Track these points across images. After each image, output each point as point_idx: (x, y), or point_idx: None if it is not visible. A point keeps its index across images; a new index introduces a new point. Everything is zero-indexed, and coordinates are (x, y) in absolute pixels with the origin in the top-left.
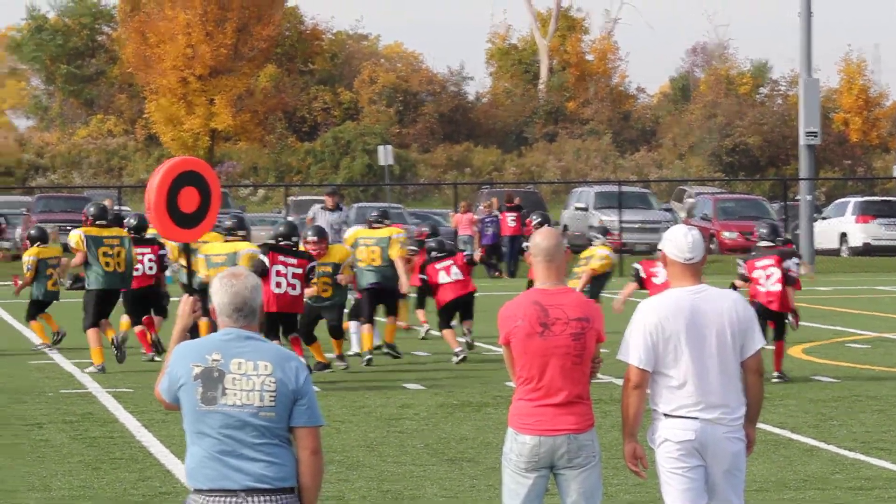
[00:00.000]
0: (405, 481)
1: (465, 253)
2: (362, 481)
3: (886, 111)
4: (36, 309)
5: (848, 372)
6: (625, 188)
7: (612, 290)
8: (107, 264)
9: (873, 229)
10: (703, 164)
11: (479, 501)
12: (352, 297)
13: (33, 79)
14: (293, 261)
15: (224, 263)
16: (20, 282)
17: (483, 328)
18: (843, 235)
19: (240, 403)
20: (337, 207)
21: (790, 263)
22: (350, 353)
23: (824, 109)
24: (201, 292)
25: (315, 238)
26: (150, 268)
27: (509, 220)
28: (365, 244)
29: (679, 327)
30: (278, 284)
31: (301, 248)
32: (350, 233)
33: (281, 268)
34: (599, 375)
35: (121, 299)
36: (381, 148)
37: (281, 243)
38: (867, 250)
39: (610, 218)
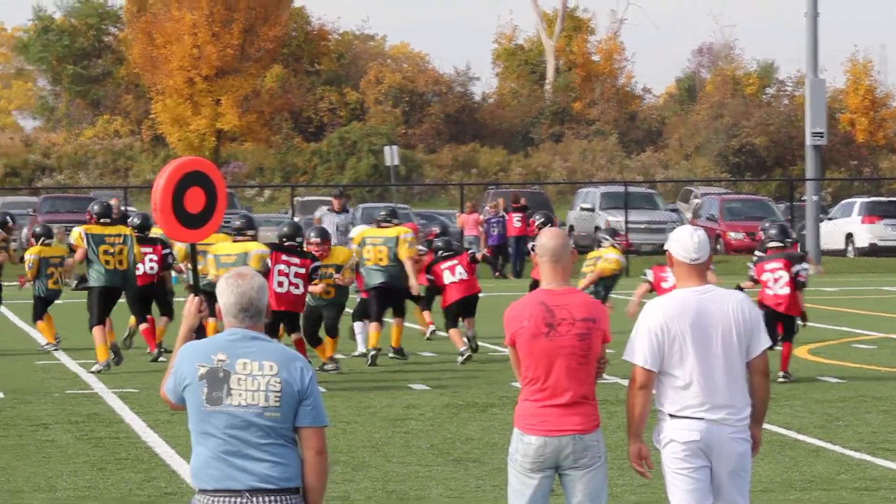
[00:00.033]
0: (410, 482)
1: (469, 251)
2: (368, 482)
3: (893, 111)
4: (41, 307)
5: (854, 372)
6: (631, 189)
7: (623, 291)
8: (107, 262)
9: (879, 230)
10: (709, 165)
11: (485, 502)
12: (357, 297)
13: (40, 79)
14: (296, 260)
15: (234, 264)
16: (25, 280)
17: (488, 328)
18: (850, 236)
19: (245, 404)
20: (344, 209)
21: (800, 268)
22: (356, 353)
23: (830, 110)
24: (209, 293)
25: (318, 239)
26: (152, 267)
27: (515, 220)
28: (372, 243)
29: (685, 328)
30: (280, 284)
31: (305, 248)
32: (357, 231)
33: (283, 267)
34: (605, 376)
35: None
36: (387, 148)
37: (285, 244)
38: (873, 251)
39: (616, 218)
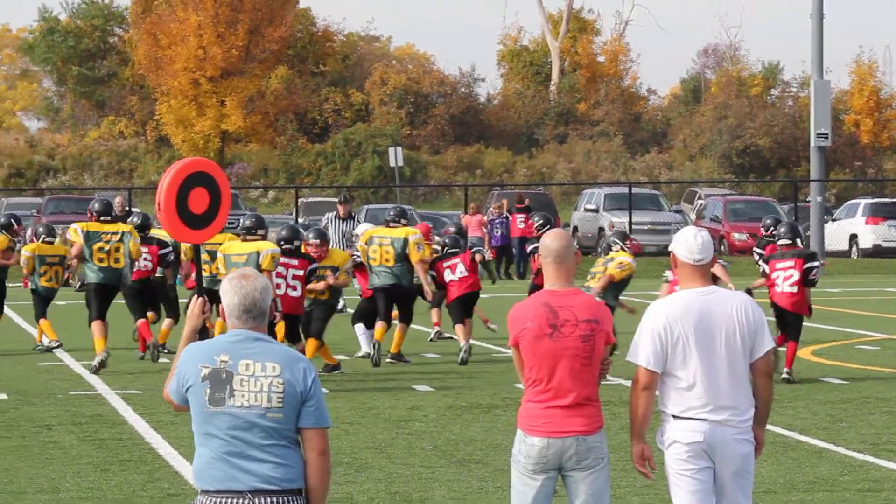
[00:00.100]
0: (413, 483)
1: (473, 250)
2: (370, 483)
3: None
4: (40, 305)
5: (857, 373)
6: (635, 190)
7: (630, 292)
8: (100, 259)
9: (883, 231)
10: (713, 166)
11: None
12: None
13: (45, 80)
14: (294, 262)
15: (245, 263)
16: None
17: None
18: (854, 237)
19: (247, 404)
20: (349, 216)
21: (812, 266)
22: (359, 354)
23: (835, 111)
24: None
25: (317, 241)
26: (146, 266)
27: (519, 221)
28: (380, 243)
29: (688, 329)
30: (278, 286)
31: (303, 249)
32: (363, 229)
33: (282, 269)
34: (609, 377)
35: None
36: (391, 149)
37: (283, 247)
38: (877, 252)
39: (620, 219)
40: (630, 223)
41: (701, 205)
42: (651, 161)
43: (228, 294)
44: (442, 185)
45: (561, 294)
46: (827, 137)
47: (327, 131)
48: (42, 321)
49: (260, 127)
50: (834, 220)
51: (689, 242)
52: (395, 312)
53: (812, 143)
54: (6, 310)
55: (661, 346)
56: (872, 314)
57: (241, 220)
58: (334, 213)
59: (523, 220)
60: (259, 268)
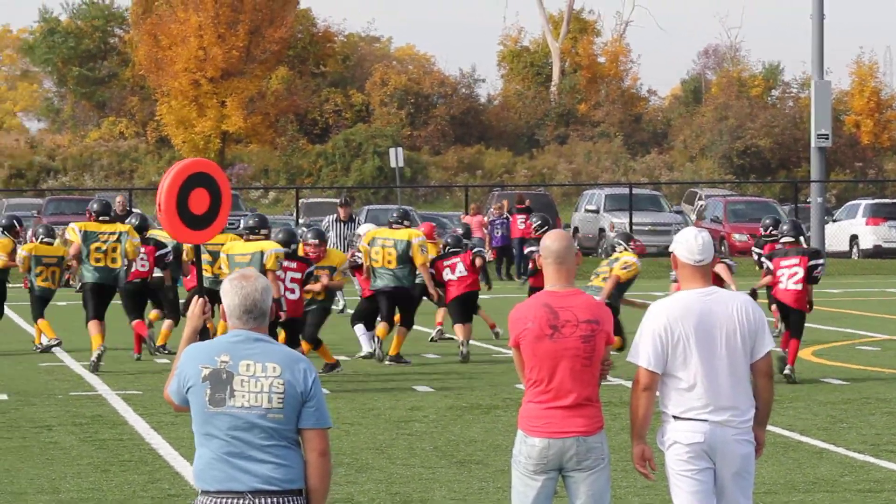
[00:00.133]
0: (414, 484)
1: (474, 251)
2: (371, 484)
3: None
4: (37, 305)
5: (858, 374)
6: (636, 190)
7: (636, 293)
8: (97, 259)
9: (884, 231)
10: (714, 167)
11: None
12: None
13: (45, 81)
14: (293, 265)
15: (249, 263)
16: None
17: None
18: (854, 238)
19: (248, 405)
20: (350, 218)
21: (817, 264)
22: (361, 354)
23: (835, 112)
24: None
25: (316, 241)
26: (143, 265)
27: (519, 222)
28: (382, 244)
29: (688, 329)
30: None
31: (301, 250)
32: (364, 229)
33: (280, 272)
34: (609, 377)
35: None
36: (392, 150)
37: None
38: (878, 252)
39: (620, 220)
40: (631, 224)
41: (701, 205)
42: (651, 162)
43: (229, 294)
44: (442, 186)
45: (561, 295)
46: (827, 138)
47: (328, 132)
48: (40, 321)
49: (260, 128)
50: (834, 221)
51: (689, 243)
52: (396, 316)
53: (812, 144)
54: (6, 310)
55: (662, 346)
56: (873, 315)
57: (244, 220)
58: (335, 215)
59: (524, 220)
60: (263, 267)
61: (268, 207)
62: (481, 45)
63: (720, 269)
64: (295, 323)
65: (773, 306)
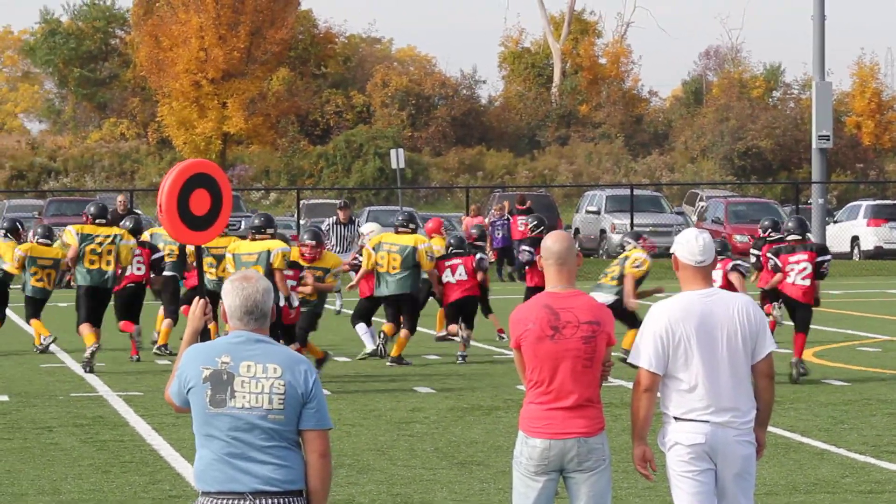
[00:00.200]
0: (415, 485)
1: (477, 257)
2: (372, 485)
3: None
4: (31, 306)
5: (859, 375)
6: (637, 192)
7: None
8: (91, 262)
9: (885, 233)
10: (715, 168)
11: None
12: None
13: (46, 82)
14: (290, 272)
15: (256, 262)
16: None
17: (493, 331)
18: (855, 239)
19: (248, 406)
20: (350, 220)
21: (824, 259)
22: (365, 353)
23: (837, 113)
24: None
25: (312, 242)
26: (139, 268)
27: (520, 223)
28: (388, 249)
29: (690, 331)
30: None
31: (297, 252)
32: (368, 229)
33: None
34: (610, 378)
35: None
36: (393, 151)
37: None
38: (879, 254)
39: (621, 221)
40: (632, 225)
41: (702, 207)
42: (653, 163)
43: (230, 295)
44: (443, 187)
45: (562, 296)
46: (828, 139)
47: (329, 133)
48: (33, 321)
49: (261, 129)
50: (835, 222)
51: (690, 244)
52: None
53: (813, 145)
54: (8, 311)
55: (663, 347)
56: (874, 316)
57: (250, 220)
58: (335, 217)
59: (524, 222)
60: (270, 266)
61: (269, 209)
62: (482, 47)
63: (734, 278)
64: (290, 328)
65: (776, 304)
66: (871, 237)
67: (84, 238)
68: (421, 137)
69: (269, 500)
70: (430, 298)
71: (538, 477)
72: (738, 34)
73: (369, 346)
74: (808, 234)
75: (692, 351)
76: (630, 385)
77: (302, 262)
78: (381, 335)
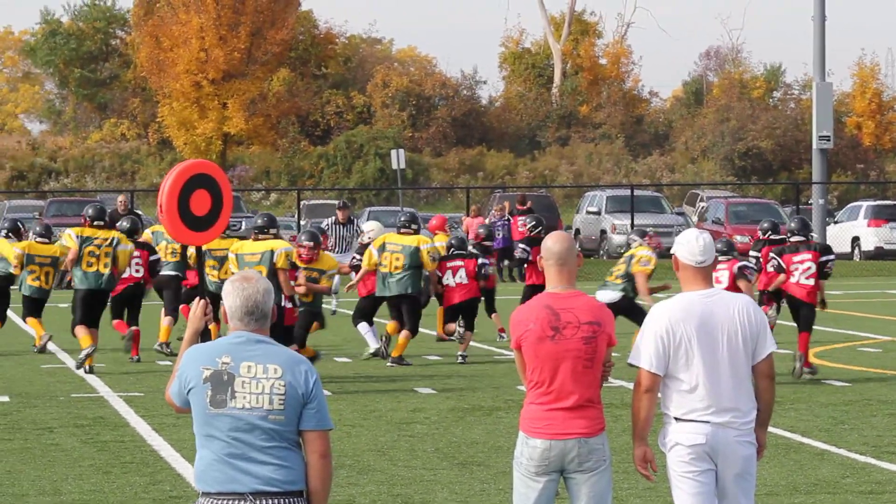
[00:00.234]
0: (416, 485)
1: (479, 262)
2: (373, 485)
3: None
4: (27, 305)
5: (859, 375)
6: (637, 192)
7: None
8: (89, 264)
9: (885, 233)
10: (715, 168)
11: None
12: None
13: (47, 83)
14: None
15: (259, 262)
16: None
17: (494, 331)
18: (856, 239)
19: (249, 406)
20: (349, 220)
21: (828, 259)
22: (370, 352)
23: (837, 113)
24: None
25: (310, 243)
26: (137, 270)
27: (520, 223)
28: (392, 250)
29: (690, 331)
30: None
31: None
32: (371, 227)
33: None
34: (611, 379)
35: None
36: (393, 152)
37: None
38: (879, 254)
39: (622, 222)
40: (632, 226)
41: (703, 207)
42: (653, 163)
43: (231, 296)
44: (444, 188)
45: (563, 296)
46: (829, 140)
47: (329, 134)
48: (29, 318)
49: (262, 129)
50: (836, 223)
51: (690, 244)
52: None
53: (814, 146)
54: (13, 316)
55: (664, 348)
56: (874, 316)
57: (254, 220)
58: (333, 218)
59: (524, 222)
60: (273, 266)
61: (269, 209)
62: (483, 47)
63: (742, 285)
64: (288, 329)
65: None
66: (872, 238)
67: (83, 241)
68: (421, 138)
69: (270, 501)
70: (431, 298)
71: (539, 477)
72: (738, 34)
73: (373, 346)
74: (812, 235)
75: (693, 351)
76: (630, 386)
77: (298, 263)
78: (385, 337)
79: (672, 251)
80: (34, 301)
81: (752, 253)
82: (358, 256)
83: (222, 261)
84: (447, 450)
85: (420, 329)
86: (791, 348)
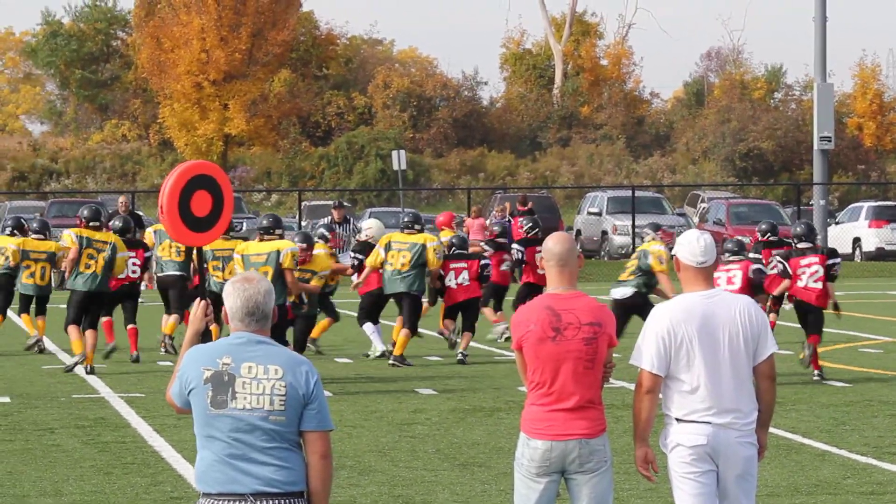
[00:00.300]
0: (417, 486)
1: (481, 263)
2: (374, 486)
3: None
4: (24, 301)
5: (860, 376)
6: (638, 193)
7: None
8: (87, 266)
9: (886, 234)
10: (716, 169)
11: None
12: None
13: (48, 84)
14: None
15: (265, 263)
16: None
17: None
18: (857, 240)
19: (249, 407)
20: (345, 220)
21: (835, 262)
22: (377, 354)
23: (838, 114)
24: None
25: (303, 244)
26: (134, 271)
27: (520, 224)
28: (398, 248)
29: (692, 332)
30: None
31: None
32: (370, 225)
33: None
34: (612, 380)
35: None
36: (394, 153)
37: None
38: (880, 255)
39: (623, 223)
40: (633, 226)
41: (704, 208)
42: (654, 164)
43: (231, 297)
44: (445, 189)
45: (564, 297)
46: (830, 141)
47: (330, 134)
48: (23, 315)
49: (263, 130)
50: (837, 224)
51: (691, 245)
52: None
53: (815, 147)
54: (9, 312)
55: (665, 349)
56: (875, 317)
57: (259, 220)
58: (329, 218)
59: (521, 223)
60: (279, 267)
61: (270, 210)
62: (484, 48)
63: (781, 284)
64: (282, 329)
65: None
66: (873, 238)
67: (83, 241)
68: (422, 139)
69: (270, 502)
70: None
71: (540, 478)
72: (739, 35)
73: (379, 347)
74: (818, 239)
75: (694, 352)
76: (631, 386)
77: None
78: (394, 343)
79: (673, 252)
80: (29, 299)
81: (752, 255)
82: (353, 254)
83: (226, 261)
84: (448, 451)
85: (421, 329)
86: (792, 349)
